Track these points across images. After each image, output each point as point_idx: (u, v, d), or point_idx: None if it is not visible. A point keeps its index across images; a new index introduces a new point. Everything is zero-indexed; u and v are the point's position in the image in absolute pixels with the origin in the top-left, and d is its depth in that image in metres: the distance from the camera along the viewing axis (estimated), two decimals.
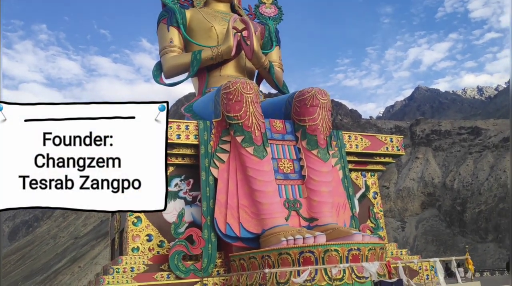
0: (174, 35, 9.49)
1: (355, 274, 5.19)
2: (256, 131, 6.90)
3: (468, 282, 5.89)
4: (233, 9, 10.96)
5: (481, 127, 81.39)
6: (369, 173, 8.99)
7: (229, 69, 9.46)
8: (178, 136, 7.13)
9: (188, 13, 9.93)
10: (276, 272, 5.36)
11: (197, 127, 7.30)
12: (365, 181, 8.95)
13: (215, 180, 6.94)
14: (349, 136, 8.57)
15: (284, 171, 7.23)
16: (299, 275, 5.21)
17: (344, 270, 5.12)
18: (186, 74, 9.37)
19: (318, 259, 5.36)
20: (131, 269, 6.43)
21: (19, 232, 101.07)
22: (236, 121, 6.92)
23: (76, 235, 79.49)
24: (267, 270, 5.06)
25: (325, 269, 5.11)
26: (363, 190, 8.80)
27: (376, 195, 8.91)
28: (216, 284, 6.41)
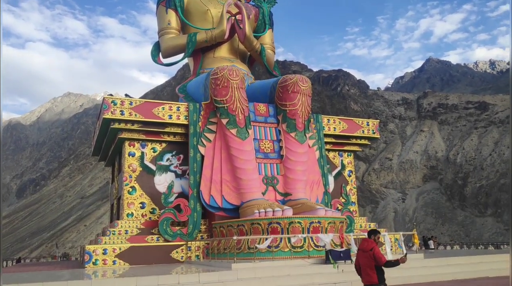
0: (172, 18, 10.07)
1: (313, 243, 6.07)
2: (240, 115, 7.67)
3: (413, 254, 6.74)
4: None
5: (488, 102, 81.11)
6: (346, 153, 9.77)
7: (223, 51, 10.09)
8: (170, 116, 7.92)
9: None
10: (248, 239, 6.27)
11: (187, 109, 8.08)
12: (342, 160, 9.75)
13: (202, 156, 7.78)
14: (328, 119, 9.31)
15: (265, 150, 8.04)
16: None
17: (304, 239, 6.00)
18: (182, 55, 10.03)
19: (284, 229, 6.24)
20: (125, 231, 7.38)
21: (27, 190, 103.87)
22: (222, 105, 7.69)
23: (82, 195, 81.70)
24: (235, 237, 5.97)
25: (289, 238, 5.99)
26: (339, 168, 9.61)
27: (351, 173, 9.74)
28: (199, 247, 7.37)
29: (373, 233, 3.04)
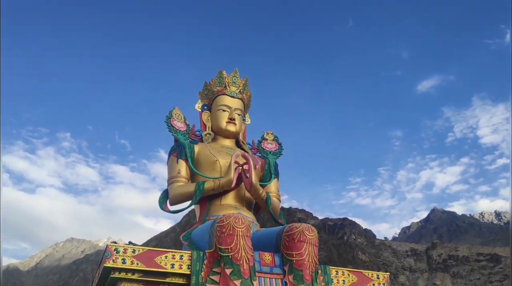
0: (182, 167, 10.42)
1: None
2: (245, 265, 7.37)
3: None
4: (238, 144, 12.05)
5: (500, 254, 78.79)
6: None
7: (229, 199, 10.17)
8: (172, 265, 7.62)
9: (197, 148, 11.00)
10: None
11: (190, 258, 7.81)
12: None
13: None
14: (336, 271, 8.88)
15: None
16: None
17: None
18: (189, 202, 10.11)
19: None
20: None
21: None
22: (226, 254, 7.44)
23: None
24: None
25: None
26: None
27: None
28: None
29: None
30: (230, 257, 7.86)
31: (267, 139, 13.31)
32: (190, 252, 8.03)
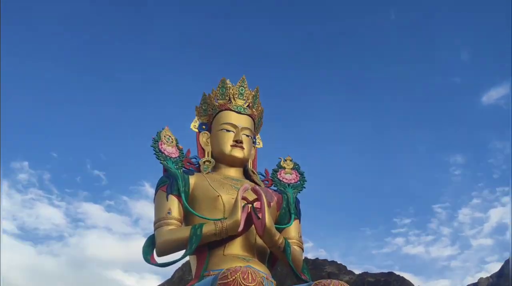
0: (174, 205, 10.22)
1: None
2: None
3: None
4: (246, 174, 11.89)
5: None
6: None
7: (235, 248, 9.92)
8: None
9: (192, 180, 10.84)
10: None
11: None
12: None
13: None
14: None
15: None
16: None
17: None
18: (183, 252, 9.96)
19: None
20: None
21: None
22: None
23: None
24: None
25: None
26: None
27: None
28: None
29: None
30: None
31: (285, 168, 13.28)
32: None
